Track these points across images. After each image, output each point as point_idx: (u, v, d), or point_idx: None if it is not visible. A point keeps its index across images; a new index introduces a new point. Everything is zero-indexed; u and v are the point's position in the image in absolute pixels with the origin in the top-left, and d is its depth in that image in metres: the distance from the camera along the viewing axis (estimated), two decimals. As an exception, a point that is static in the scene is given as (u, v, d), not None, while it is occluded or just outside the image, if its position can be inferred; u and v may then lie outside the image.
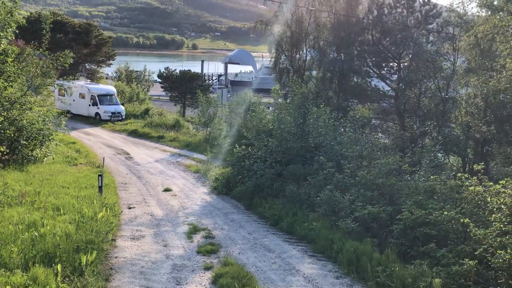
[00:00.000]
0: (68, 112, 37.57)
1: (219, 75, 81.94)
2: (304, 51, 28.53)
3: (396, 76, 24.60)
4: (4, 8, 15.13)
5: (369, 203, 10.92)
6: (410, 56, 23.61)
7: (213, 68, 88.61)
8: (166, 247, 11.15)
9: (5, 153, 11.30)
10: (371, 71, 25.39)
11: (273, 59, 28.89)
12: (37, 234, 9.09)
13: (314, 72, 28.55)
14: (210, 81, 72.14)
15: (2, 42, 15.28)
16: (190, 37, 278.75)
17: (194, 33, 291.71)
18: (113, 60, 56.97)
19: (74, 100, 38.77)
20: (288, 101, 15.83)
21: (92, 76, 52.17)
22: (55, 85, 21.44)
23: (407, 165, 11.52)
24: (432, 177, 10.43)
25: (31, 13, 49.04)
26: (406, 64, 24.10)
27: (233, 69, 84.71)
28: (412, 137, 22.49)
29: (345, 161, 13.16)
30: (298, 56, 28.59)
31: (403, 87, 23.42)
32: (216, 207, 14.91)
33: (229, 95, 60.22)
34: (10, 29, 15.41)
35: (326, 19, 28.22)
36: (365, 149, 13.11)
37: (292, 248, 11.41)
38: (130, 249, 10.75)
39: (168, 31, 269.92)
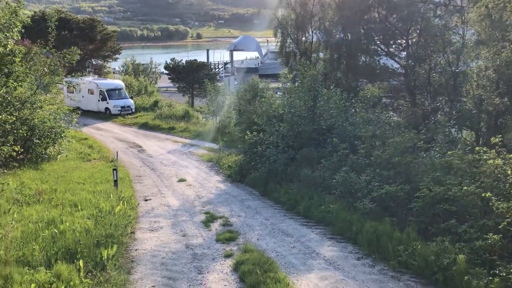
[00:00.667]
0: (78, 108, 37.94)
1: (225, 63, 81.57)
2: (310, 33, 28.16)
3: (405, 53, 24.19)
4: (9, 8, 15.10)
5: (385, 183, 10.77)
6: (418, 31, 23.15)
7: (219, 56, 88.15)
8: (185, 237, 11.18)
9: (19, 152, 11.38)
10: (379, 49, 25.00)
11: (279, 44, 28.56)
12: (57, 231, 9.17)
13: (321, 54, 28.22)
14: (217, 70, 71.91)
15: (9, 42, 15.27)
16: (194, 26, 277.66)
17: (197, 22, 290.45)
18: (119, 54, 57.04)
19: (83, 97, 39.00)
20: (296, 84, 15.65)
21: (99, 72, 52.33)
22: (64, 83, 21.49)
23: (422, 142, 11.32)
24: (449, 152, 10.24)
25: (35, 12, 49.10)
26: (414, 40, 23.65)
27: (238, 56, 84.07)
28: (424, 114, 22.21)
29: (358, 141, 12.99)
30: (304, 38, 28.25)
31: (413, 63, 23.05)
32: (231, 195, 14.93)
33: (236, 83, 60.05)
34: (15, 29, 15.39)
35: (331, -1, 27.81)
36: (378, 129, 12.92)
37: (310, 231, 11.35)
38: (150, 240, 10.80)
39: (172, 22, 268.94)
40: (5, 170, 17.34)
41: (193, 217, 12.63)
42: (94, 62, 54.62)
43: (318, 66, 24.45)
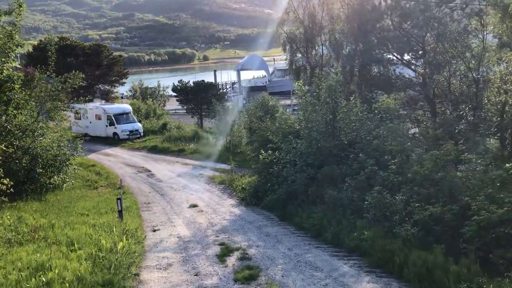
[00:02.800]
0: (86, 135, 37.36)
1: (233, 83, 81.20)
2: (320, 46, 27.23)
3: (422, 60, 23.04)
4: (4, 31, 14.32)
5: (426, 203, 9.43)
6: (435, 37, 22.03)
7: (226, 76, 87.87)
8: (198, 276, 9.84)
9: (9, 186, 10.34)
10: (394, 58, 23.89)
11: (286, 61, 27.65)
12: (44, 280, 7.85)
13: (332, 70, 27.26)
14: (225, 90, 71.49)
15: (5, 67, 14.43)
16: (200, 49, 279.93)
17: (204, 44, 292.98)
18: (126, 79, 56.73)
19: (91, 122, 38.41)
20: (310, 98, 14.50)
21: (107, 97, 51.87)
22: (70, 109, 20.68)
23: (466, 154, 9.94)
24: (507, 165, 8.80)
25: (40, 41, 49.01)
26: (431, 46, 22.52)
27: (246, 75, 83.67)
28: (445, 123, 20.92)
29: (387, 156, 11.66)
30: (314, 52, 27.30)
31: (430, 71, 21.88)
32: (247, 220, 13.64)
33: (244, 102, 59.36)
34: (12, 54, 14.57)
35: (339, 10, 26.90)
36: (409, 141, 11.61)
37: (342, 263, 9.92)
38: (157, 283, 9.50)
39: (178, 45, 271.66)
40: (4, 200, 16.40)
41: (206, 250, 11.35)
42: (101, 88, 54.30)
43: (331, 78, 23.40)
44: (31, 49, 47.52)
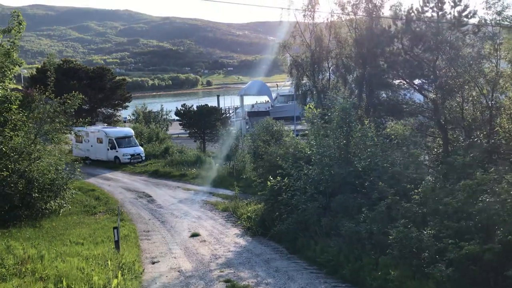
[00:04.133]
0: (87, 158, 36.71)
1: (236, 108, 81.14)
2: (327, 70, 26.68)
3: (433, 85, 22.37)
4: (1, 50, 13.70)
5: (458, 238, 8.45)
6: (447, 62, 21.42)
7: (229, 101, 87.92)
8: (201, 320, 8.77)
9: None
10: (404, 83, 23.24)
11: (294, 83, 27.08)
12: None
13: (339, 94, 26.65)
14: (228, 115, 71.30)
15: (1, 86, 13.75)
16: (203, 74, 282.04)
17: (207, 70, 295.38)
18: (129, 102, 56.42)
19: (92, 146, 37.83)
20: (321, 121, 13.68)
21: (109, 120, 51.39)
22: (69, 132, 19.94)
23: (505, 185, 8.90)
24: None
25: (44, 63, 48.88)
26: (443, 71, 21.89)
27: (249, 100, 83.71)
28: (456, 151, 20.10)
29: (409, 185, 10.69)
30: (321, 76, 26.72)
31: (443, 96, 21.18)
32: (253, 253, 12.61)
33: (247, 126, 59.00)
34: (9, 73, 13.92)
35: (347, 34, 26.47)
36: (427, 168, 10.74)
37: (366, 307, 8.83)
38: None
39: (182, 70, 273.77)
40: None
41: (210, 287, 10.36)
42: (104, 111, 53.90)
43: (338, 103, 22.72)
44: (34, 72, 47.41)
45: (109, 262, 9.56)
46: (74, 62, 50.84)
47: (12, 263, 8.86)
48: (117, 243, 11.45)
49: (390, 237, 9.28)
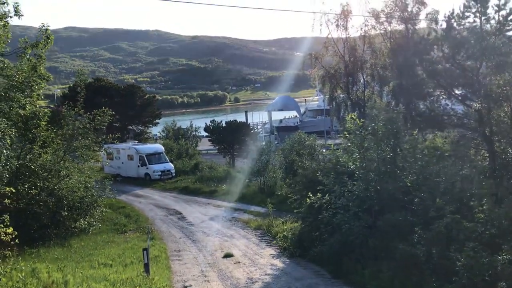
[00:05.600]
0: (118, 175, 36.58)
1: (264, 123, 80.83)
2: (362, 81, 25.71)
3: (477, 94, 21.01)
4: (28, 64, 13.39)
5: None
6: (493, 69, 20.08)
7: (257, 117, 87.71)
8: None
9: (13, 236, 8.74)
10: (445, 93, 21.95)
11: (327, 95, 26.20)
12: None
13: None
14: (256, 130, 70.92)
15: (28, 101, 13.38)
16: (231, 91, 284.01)
17: (235, 87, 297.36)
18: (159, 119, 56.66)
19: (123, 163, 37.77)
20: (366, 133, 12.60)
21: (140, 137, 51.57)
22: (99, 149, 19.60)
23: None
24: None
25: (76, 81, 49.59)
26: (488, 79, 20.54)
27: (277, 116, 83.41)
28: (506, 164, 18.62)
29: (473, 201, 9.44)
30: (355, 88, 25.76)
31: (488, 106, 19.80)
32: (293, 277, 11.55)
33: (276, 142, 58.45)
34: (36, 87, 13.56)
35: (381, 44, 25.50)
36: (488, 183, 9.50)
37: None
38: None
39: (211, 88, 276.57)
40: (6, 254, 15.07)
41: (248, 318, 9.35)
42: (134, 129, 54.21)
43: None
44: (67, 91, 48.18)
45: (137, 289, 8.82)
46: (105, 80, 51.46)
47: (36, 288, 8.22)
48: (146, 266, 10.69)
49: (458, 263, 8.03)
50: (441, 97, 22.45)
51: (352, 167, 11.72)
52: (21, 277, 9.16)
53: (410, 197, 10.71)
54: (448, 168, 10.50)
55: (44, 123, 15.77)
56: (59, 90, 67.66)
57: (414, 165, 11.07)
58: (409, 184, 10.92)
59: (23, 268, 10.60)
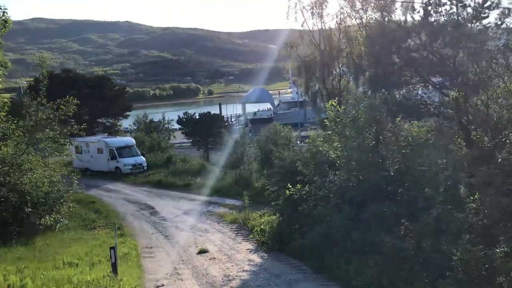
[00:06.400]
0: (87, 169, 35.26)
1: (238, 116, 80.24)
2: (337, 70, 25.23)
3: (455, 82, 20.87)
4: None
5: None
6: (469, 57, 19.94)
7: (231, 109, 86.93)
8: None
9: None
10: (422, 81, 21.74)
11: (303, 85, 25.65)
12: None
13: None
14: (230, 122, 70.26)
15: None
16: (205, 83, 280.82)
17: (208, 79, 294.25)
18: (130, 112, 55.16)
19: (92, 157, 36.49)
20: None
21: (110, 130, 50.04)
22: (64, 140, 18.46)
23: None
24: None
25: (43, 73, 47.56)
26: (464, 67, 20.41)
27: (250, 108, 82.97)
28: (483, 152, 18.54)
29: (456, 190, 9.02)
30: (331, 77, 25.27)
31: (465, 94, 19.67)
32: (272, 273, 10.92)
33: (250, 134, 58.10)
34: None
35: (357, 32, 25.06)
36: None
37: None
38: None
39: (183, 80, 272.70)
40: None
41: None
42: (105, 122, 52.61)
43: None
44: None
45: (103, 293, 8.03)
46: (73, 72, 49.57)
47: (-13, 295, 7.36)
48: (114, 265, 9.88)
49: (454, 257, 7.52)
50: (418, 86, 22.29)
51: (333, 156, 11.18)
52: (-27, 281, 8.28)
53: (393, 187, 10.25)
54: (432, 156, 10.06)
55: (3, 113, 14.66)
56: (25, 83, 64.89)
57: (396, 154, 10.60)
58: (392, 174, 10.47)
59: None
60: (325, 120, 11.51)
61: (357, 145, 10.86)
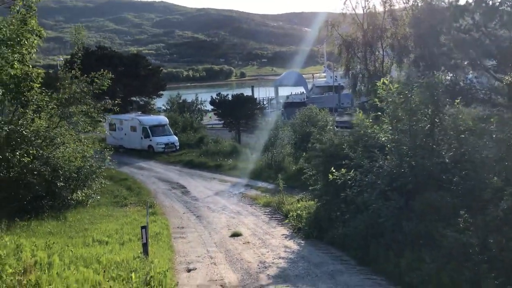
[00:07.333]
0: (120, 147, 35.39)
1: (270, 99, 79.42)
2: (381, 51, 23.99)
3: (510, 67, 19.33)
4: (17, 16, 11.83)
5: None
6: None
7: (263, 93, 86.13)
8: None
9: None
10: (472, 64, 20.28)
11: (343, 65, 24.53)
12: None
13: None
14: (262, 105, 69.60)
15: (16, 58, 11.87)
16: (237, 66, 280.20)
17: (241, 61, 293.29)
18: (164, 91, 55.14)
19: (125, 134, 36.58)
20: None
21: (143, 109, 50.18)
22: (96, 114, 18.17)
23: None
24: None
25: (79, 49, 47.96)
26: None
27: (283, 91, 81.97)
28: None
29: None
30: (373, 58, 24.06)
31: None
32: (311, 262, 10.18)
33: (282, 118, 57.29)
34: (27, 43, 12.02)
35: (403, 12, 23.69)
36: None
37: None
38: None
39: (216, 62, 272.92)
40: (17, 220, 13.92)
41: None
42: (138, 100, 52.79)
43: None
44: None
45: (133, 276, 7.47)
46: (109, 49, 49.68)
47: (13, 271, 6.93)
48: (145, 246, 9.38)
49: None
50: (468, 70, 20.83)
51: (383, 139, 10.23)
52: (2, 254, 7.91)
53: (448, 175, 9.26)
54: (496, 142, 8.94)
55: (37, 85, 14.35)
56: (62, 59, 65.88)
57: (453, 140, 9.54)
58: (447, 161, 9.45)
59: (7, 243, 9.41)
60: (375, 100, 10.56)
61: (409, 128, 9.87)
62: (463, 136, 9.33)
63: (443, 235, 7.65)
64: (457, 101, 10.00)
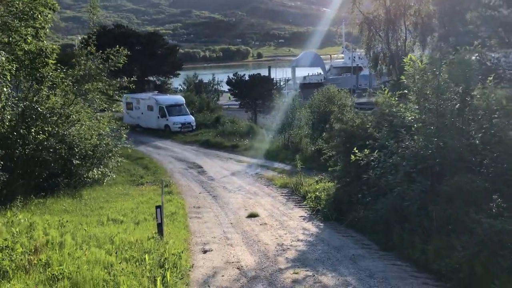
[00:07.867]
0: (137, 126, 35.38)
1: (287, 80, 78.58)
2: (403, 29, 23.10)
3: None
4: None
5: None
6: None
7: (280, 73, 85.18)
8: None
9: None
10: (500, 43, 19.38)
11: (364, 43, 23.69)
12: None
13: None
14: (279, 86, 68.92)
15: (29, 32, 11.58)
16: (254, 46, 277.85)
17: (258, 42, 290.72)
18: (180, 71, 54.78)
19: (142, 113, 36.58)
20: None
21: (160, 89, 50.03)
22: (112, 92, 17.90)
23: None
24: None
25: (94, 25, 47.58)
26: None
27: (300, 72, 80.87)
28: None
29: None
30: (395, 37, 23.21)
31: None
32: (330, 245, 9.83)
33: (300, 99, 56.51)
34: (40, 17, 11.72)
35: (428, -12, 22.72)
36: None
37: None
38: None
39: (233, 42, 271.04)
40: (33, 197, 13.87)
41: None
42: (155, 79, 52.60)
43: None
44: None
45: (146, 257, 7.19)
46: (126, 27, 49.34)
47: (24, 250, 6.72)
48: (160, 226, 9.12)
49: None
50: (496, 48, 19.95)
51: (409, 118, 9.69)
52: (15, 232, 7.74)
53: (478, 158, 8.71)
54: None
55: (52, 61, 14.10)
56: (80, 38, 65.87)
57: (484, 120, 8.95)
58: (477, 142, 8.89)
59: (21, 221, 9.28)
60: (402, 77, 10.00)
61: (436, 107, 9.31)
62: (495, 116, 8.75)
63: (476, 221, 7.17)
64: (490, 79, 9.38)
